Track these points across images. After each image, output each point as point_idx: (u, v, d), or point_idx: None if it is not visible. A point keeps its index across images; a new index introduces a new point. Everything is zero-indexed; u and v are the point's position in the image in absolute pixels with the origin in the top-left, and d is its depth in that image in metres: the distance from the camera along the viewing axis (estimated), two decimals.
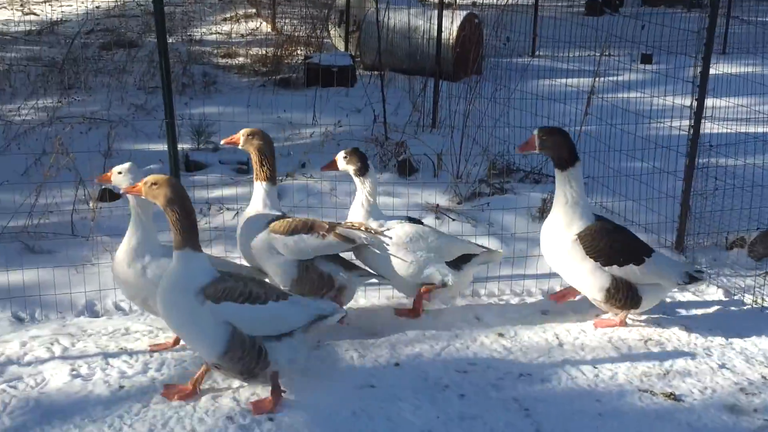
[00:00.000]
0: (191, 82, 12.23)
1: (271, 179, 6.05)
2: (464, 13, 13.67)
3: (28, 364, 5.52)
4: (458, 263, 6.21)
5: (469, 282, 6.56)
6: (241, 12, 17.88)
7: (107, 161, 8.80)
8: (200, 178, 8.61)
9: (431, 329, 6.09)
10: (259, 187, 6.05)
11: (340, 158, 6.21)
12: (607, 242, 5.92)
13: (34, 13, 17.78)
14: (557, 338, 6.01)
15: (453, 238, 6.50)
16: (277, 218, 5.99)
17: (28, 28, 15.52)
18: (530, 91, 9.60)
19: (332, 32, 15.28)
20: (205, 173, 8.91)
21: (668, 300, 6.72)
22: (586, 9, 19.80)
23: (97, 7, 18.15)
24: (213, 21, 17.31)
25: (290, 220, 5.96)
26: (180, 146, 7.66)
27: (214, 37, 15.79)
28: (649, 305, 6.17)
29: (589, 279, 5.97)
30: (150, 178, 5.01)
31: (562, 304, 6.48)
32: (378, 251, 6.08)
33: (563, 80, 10.43)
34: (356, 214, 6.21)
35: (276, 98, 11.63)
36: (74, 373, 5.40)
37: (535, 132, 6.01)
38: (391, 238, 6.06)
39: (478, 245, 6.43)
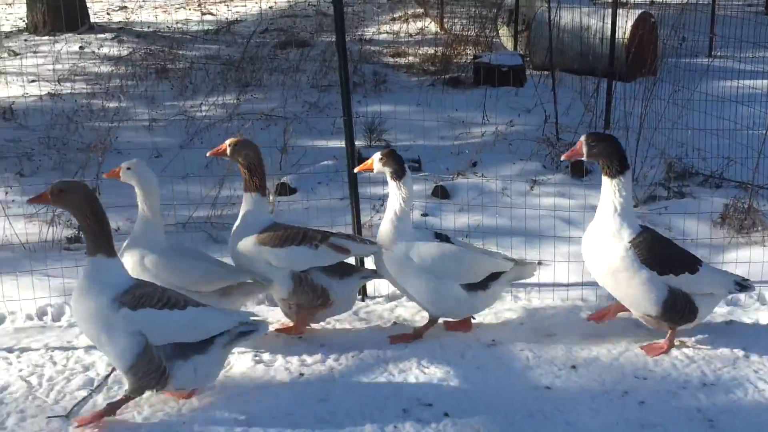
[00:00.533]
0: (362, 81, 12.42)
1: (260, 190, 5.81)
2: (639, 11, 13.32)
3: None
4: (486, 282, 5.82)
5: (495, 301, 6.09)
6: (409, 12, 18.03)
7: (284, 157, 9.08)
8: (370, 174, 8.71)
9: (608, 333, 5.95)
10: (249, 198, 5.81)
11: (376, 159, 5.84)
12: (663, 250, 5.59)
13: (211, 13, 18.47)
14: (743, 349, 5.75)
15: (480, 255, 5.95)
16: (267, 229, 5.77)
17: (206, 28, 16.14)
18: (711, 93, 9.27)
19: (501, 31, 15.20)
20: None
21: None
22: (767, 8, 18.95)
23: (270, 8, 18.69)
24: (382, 21, 17.53)
25: (281, 230, 5.74)
26: None
27: (383, 36, 15.99)
28: (703, 318, 5.74)
29: (643, 291, 5.52)
30: (56, 185, 4.83)
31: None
32: (401, 273, 5.75)
33: (746, 82, 10.01)
34: (385, 223, 5.82)
35: (445, 97, 11.67)
36: (257, 358, 5.59)
37: (583, 138, 5.58)
38: (379, 247, 5.79)
39: (508, 259, 5.99)
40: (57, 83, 12.05)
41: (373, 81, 12.58)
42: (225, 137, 9.41)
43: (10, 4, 17.09)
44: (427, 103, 11.41)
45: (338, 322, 6.13)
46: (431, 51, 14.13)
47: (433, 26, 16.64)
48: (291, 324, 5.99)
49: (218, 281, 5.60)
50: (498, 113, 10.98)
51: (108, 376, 5.34)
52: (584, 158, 5.64)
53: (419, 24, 16.95)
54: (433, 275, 5.70)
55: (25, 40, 14.75)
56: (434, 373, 5.40)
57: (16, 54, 13.58)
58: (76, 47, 14.13)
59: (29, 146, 9.58)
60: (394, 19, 17.63)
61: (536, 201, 8.13)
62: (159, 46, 14.11)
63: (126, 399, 4.90)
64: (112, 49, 14.14)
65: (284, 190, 8.42)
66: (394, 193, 5.78)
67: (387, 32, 16.19)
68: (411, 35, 16.07)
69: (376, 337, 5.92)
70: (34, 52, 13.82)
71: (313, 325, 6.02)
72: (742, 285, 5.74)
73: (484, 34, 14.78)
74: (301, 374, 5.39)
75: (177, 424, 4.85)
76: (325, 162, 9.08)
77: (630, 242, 5.48)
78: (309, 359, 5.56)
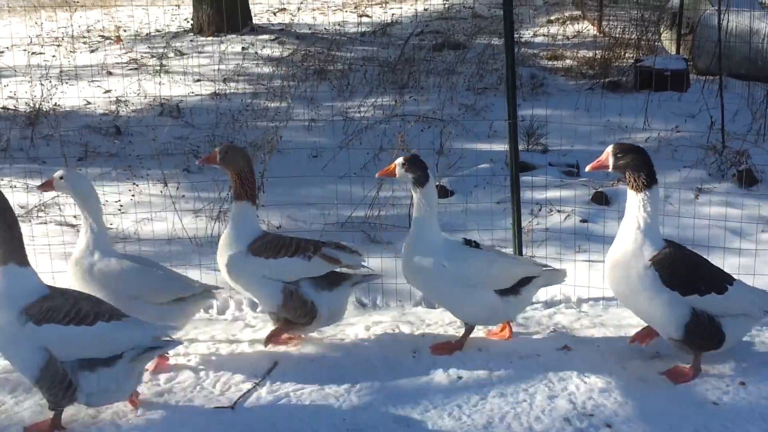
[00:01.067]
0: (520, 84, 12.31)
1: (251, 198, 5.65)
2: None
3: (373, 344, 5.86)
4: (516, 286, 5.67)
5: (526, 306, 5.99)
6: (566, 14, 17.77)
7: (440, 159, 9.09)
8: (529, 179, 8.62)
9: None
10: (239, 207, 5.64)
11: (399, 165, 5.60)
12: (686, 267, 5.19)
13: (367, 15, 18.68)
14: None
15: (510, 260, 5.86)
16: (258, 239, 5.64)
17: (363, 30, 16.35)
18: None
19: (663, 35, 14.78)
20: (534, 174, 8.92)
21: None
22: None
23: (426, 10, 18.76)
24: (539, 23, 17.33)
25: (273, 241, 5.62)
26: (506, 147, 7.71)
27: (539, 39, 15.80)
28: (732, 343, 5.35)
29: (665, 312, 5.18)
30: None
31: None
32: (431, 282, 5.65)
33: None
34: (411, 231, 5.69)
35: (604, 101, 11.42)
36: (414, 356, 5.63)
37: (610, 149, 5.26)
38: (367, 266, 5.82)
39: (539, 265, 5.87)
40: (221, 83, 12.45)
41: (530, 84, 12.46)
42: (383, 139, 9.60)
43: (177, 6, 17.77)
44: (586, 108, 11.21)
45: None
46: (590, 54, 13.87)
47: (591, 29, 16.34)
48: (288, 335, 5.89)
49: (169, 292, 5.49)
50: (659, 118, 10.67)
51: (271, 369, 5.47)
52: (610, 170, 5.32)
53: (576, 27, 16.67)
54: (464, 283, 5.55)
55: (191, 41, 15.31)
56: (595, 383, 5.27)
57: (182, 54, 14.11)
58: (238, 48, 14.56)
59: (195, 144, 9.94)
60: (550, 21, 17.41)
61: (702, 210, 7.86)
62: (318, 48, 14.39)
63: (55, 415, 4.77)
64: (273, 50, 14.50)
65: (443, 192, 8.42)
66: (417, 202, 5.61)
67: (544, 35, 15.99)
68: (568, 38, 15.82)
69: (534, 344, 5.85)
70: (199, 53, 14.32)
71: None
72: None
73: (645, 38, 14.39)
74: (459, 377, 5.38)
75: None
76: (483, 165, 9.04)
77: (651, 260, 5.15)
78: (468, 363, 5.54)
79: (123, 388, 4.78)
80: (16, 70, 12.79)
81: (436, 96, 11.75)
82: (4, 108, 11.07)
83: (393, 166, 5.62)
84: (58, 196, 7.97)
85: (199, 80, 12.60)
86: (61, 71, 12.21)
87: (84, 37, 15.73)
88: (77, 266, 5.51)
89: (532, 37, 16.01)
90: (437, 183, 8.39)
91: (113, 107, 11.22)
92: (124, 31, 16.16)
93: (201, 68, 12.90)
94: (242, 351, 5.80)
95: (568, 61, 14.07)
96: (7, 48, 14.48)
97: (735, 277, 5.49)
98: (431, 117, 10.60)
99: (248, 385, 5.29)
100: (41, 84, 11.10)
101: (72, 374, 4.62)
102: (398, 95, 11.61)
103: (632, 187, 5.22)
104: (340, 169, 8.63)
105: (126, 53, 14.42)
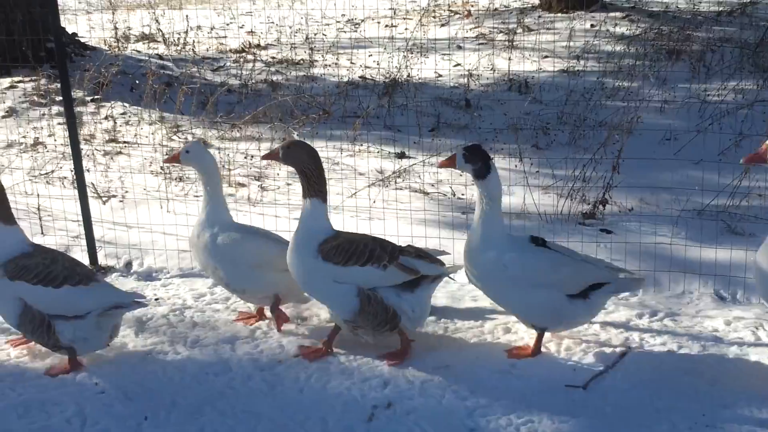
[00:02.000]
0: None
1: (320, 195, 5.31)
2: None
3: (733, 343, 5.53)
4: (586, 292, 5.26)
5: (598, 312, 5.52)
6: None
7: None
8: None
9: None
10: (307, 204, 5.33)
11: (459, 155, 5.23)
12: None
13: None
14: None
15: (580, 263, 5.35)
16: (330, 239, 5.27)
17: (719, 9, 15.46)
18: None
19: None
20: None
21: None
22: None
23: None
24: None
25: (344, 245, 5.23)
26: None
27: None
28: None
29: None
30: None
31: None
32: (493, 283, 5.32)
33: None
34: (473, 228, 5.30)
35: None
36: None
37: None
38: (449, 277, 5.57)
39: (613, 268, 5.45)
40: (571, 60, 12.30)
41: None
42: (743, 125, 9.01)
43: None
44: None
45: None
46: None
47: None
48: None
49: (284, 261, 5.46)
50: None
51: (624, 355, 5.34)
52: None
53: None
54: (528, 284, 5.21)
55: (539, 17, 15.26)
56: None
57: (530, 30, 14.11)
58: (587, 25, 14.31)
59: (545, 120, 9.90)
60: None
61: None
62: (671, 27, 13.79)
63: (69, 352, 5.32)
64: (623, 28, 14.11)
65: None
66: (479, 196, 5.24)
67: None
68: None
69: None
70: (547, 29, 14.24)
71: None
72: None
73: None
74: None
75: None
76: None
77: None
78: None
79: (98, 338, 5.35)
80: (372, 42, 13.44)
81: None
82: (362, 77, 11.67)
83: (453, 155, 5.31)
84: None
85: (547, 56, 12.54)
86: (413, 44, 12.64)
87: (434, 11, 16.19)
88: (198, 239, 5.80)
89: None
90: None
91: (463, 80, 11.44)
92: (472, 6, 16.44)
93: (550, 44, 12.82)
94: (595, 331, 5.71)
95: None
96: (362, 20, 15.27)
97: None
98: None
99: (599, 368, 5.20)
100: (396, 55, 11.56)
101: (49, 318, 5.20)
102: (761, 79, 10.84)
103: None
104: (695, 154, 8.23)
105: (475, 27, 14.66)
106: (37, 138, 9.63)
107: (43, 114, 10.34)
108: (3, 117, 10.38)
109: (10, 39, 10.95)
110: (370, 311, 5.23)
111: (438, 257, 5.46)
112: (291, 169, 6.45)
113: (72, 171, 8.39)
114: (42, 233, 7.34)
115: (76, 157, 6.75)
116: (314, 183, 5.32)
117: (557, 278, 5.24)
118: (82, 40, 13.29)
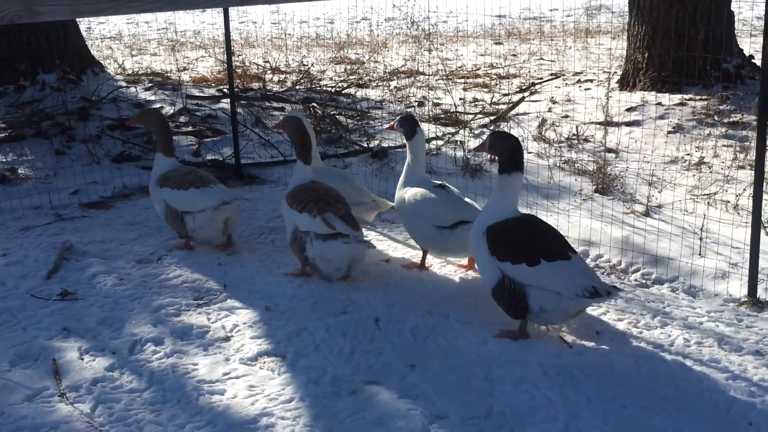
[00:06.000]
0: None
1: (302, 158, 6.86)
2: None
3: None
4: (455, 226, 6.54)
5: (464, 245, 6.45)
6: None
7: None
8: None
9: None
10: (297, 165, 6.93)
11: (396, 122, 7.04)
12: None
13: None
14: None
15: (454, 203, 6.67)
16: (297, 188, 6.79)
17: None
18: None
19: None
20: None
21: None
22: None
23: None
24: None
25: (302, 193, 6.65)
26: None
27: None
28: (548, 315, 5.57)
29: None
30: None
31: None
32: (401, 213, 6.98)
33: None
34: (402, 176, 7.03)
35: None
36: None
37: None
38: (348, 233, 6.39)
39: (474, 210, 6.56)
40: None
41: None
42: None
43: None
44: None
45: None
46: None
47: None
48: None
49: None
50: None
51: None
52: None
53: None
54: (413, 214, 6.73)
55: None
56: None
57: None
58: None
59: None
60: None
61: None
62: None
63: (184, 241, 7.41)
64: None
65: None
66: (408, 151, 6.98)
67: None
68: None
69: None
70: None
71: None
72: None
73: None
74: None
75: None
76: None
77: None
78: None
79: (212, 228, 7.17)
80: None
81: None
82: None
83: (393, 122, 7.10)
84: None
85: None
86: None
87: None
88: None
89: None
90: None
91: None
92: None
93: None
94: None
95: None
96: None
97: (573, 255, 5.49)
98: None
99: None
100: None
101: (182, 214, 7.16)
102: None
103: None
104: None
105: None
106: (702, 157, 9.57)
107: (709, 134, 10.26)
108: (669, 132, 10.51)
109: (689, 55, 11.06)
110: (296, 246, 6.66)
111: (359, 224, 6.50)
112: None
113: (737, 195, 8.23)
114: (699, 254, 7.15)
115: (758, 183, 6.43)
116: (301, 149, 6.84)
117: (431, 212, 6.60)
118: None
